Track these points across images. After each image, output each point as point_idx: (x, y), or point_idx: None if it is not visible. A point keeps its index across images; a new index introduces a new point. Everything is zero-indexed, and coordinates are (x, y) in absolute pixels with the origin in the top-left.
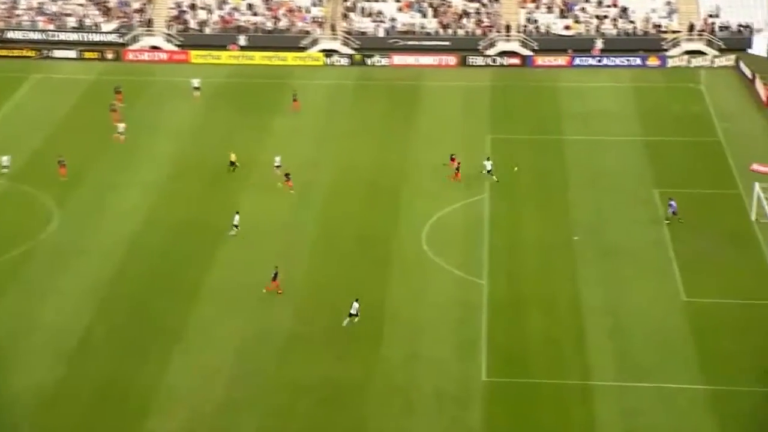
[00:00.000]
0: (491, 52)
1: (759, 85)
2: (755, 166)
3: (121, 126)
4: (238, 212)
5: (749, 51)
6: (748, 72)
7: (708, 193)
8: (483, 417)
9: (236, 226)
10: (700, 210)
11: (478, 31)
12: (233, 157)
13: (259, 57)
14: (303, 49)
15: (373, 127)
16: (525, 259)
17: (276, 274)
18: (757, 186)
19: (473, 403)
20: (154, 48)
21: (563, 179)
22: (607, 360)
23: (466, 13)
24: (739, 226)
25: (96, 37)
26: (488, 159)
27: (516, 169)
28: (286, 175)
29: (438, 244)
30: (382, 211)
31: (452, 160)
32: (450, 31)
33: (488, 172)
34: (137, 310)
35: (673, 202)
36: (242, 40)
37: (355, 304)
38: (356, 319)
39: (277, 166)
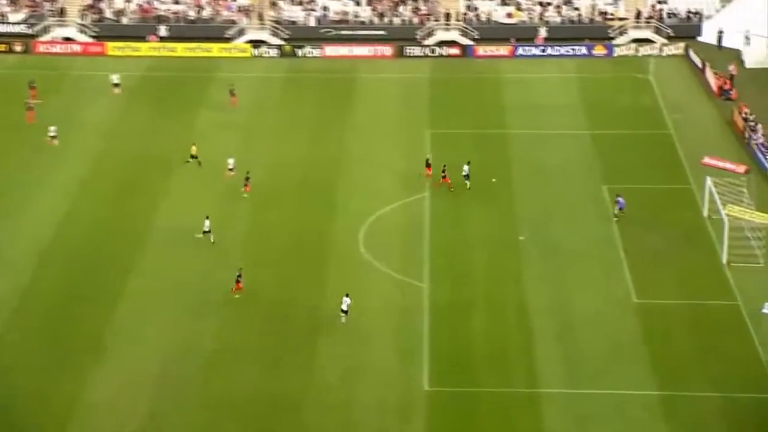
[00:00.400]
0: (429, 41)
1: (709, 74)
2: (707, 160)
3: (52, 129)
4: (208, 217)
5: (699, 39)
6: (698, 61)
7: (658, 188)
8: (425, 429)
9: (207, 232)
10: (651, 206)
11: (416, 20)
12: (194, 150)
13: (181, 49)
14: (229, 39)
15: (306, 123)
16: (468, 260)
17: (240, 276)
18: (709, 180)
19: (415, 415)
20: (67, 39)
21: (507, 175)
22: (555, 366)
23: (402, 1)
24: (691, 223)
25: (2, 28)
26: (468, 163)
27: (494, 180)
28: (246, 178)
29: (376, 245)
30: (316, 212)
31: (428, 167)
32: (386, 19)
33: (465, 176)
34: (53, 321)
35: (620, 199)
36: (163, 30)
37: (347, 300)
38: (345, 317)
39: (230, 169)
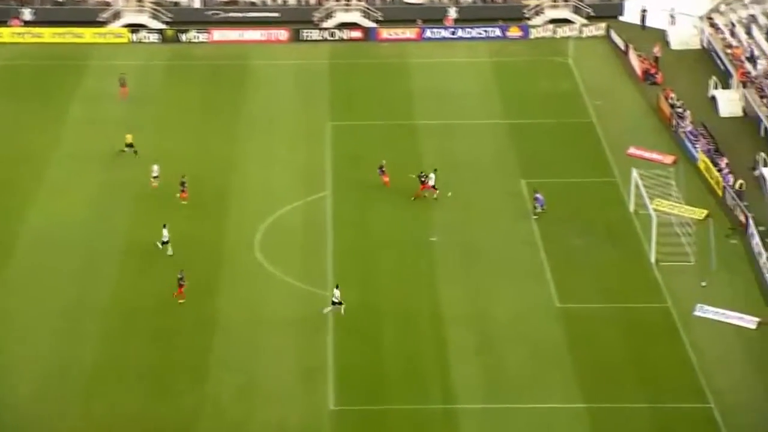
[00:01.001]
0: (328, 24)
1: (633, 56)
2: (632, 150)
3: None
4: (165, 225)
5: (621, 19)
6: (620, 42)
7: (581, 182)
8: None
9: (166, 242)
10: (573, 202)
11: (313, 0)
12: (129, 139)
13: (49, 34)
14: (103, 23)
15: (193, 117)
16: (376, 265)
17: (182, 278)
18: (635, 172)
19: None
20: None
21: (417, 171)
22: (473, 379)
23: None
24: (617, 219)
25: None
26: (435, 171)
27: (450, 194)
28: (182, 183)
29: (274, 250)
30: (206, 214)
31: (383, 174)
32: (279, 0)
33: (432, 186)
34: None
35: (539, 195)
36: (27, 14)
37: (336, 292)
38: (342, 308)
39: (155, 177)
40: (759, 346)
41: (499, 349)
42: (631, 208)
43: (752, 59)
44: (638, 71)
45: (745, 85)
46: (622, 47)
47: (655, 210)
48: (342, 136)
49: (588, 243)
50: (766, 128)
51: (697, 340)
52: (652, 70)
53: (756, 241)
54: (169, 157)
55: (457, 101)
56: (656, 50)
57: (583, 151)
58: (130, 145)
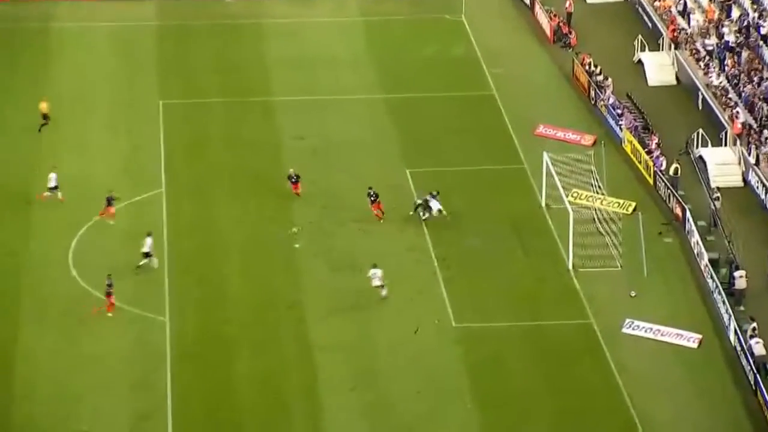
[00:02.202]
0: None
1: (541, 14)
2: (542, 129)
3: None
4: (150, 233)
5: None
6: None
7: (480, 170)
8: None
9: (149, 254)
10: (472, 196)
11: None
12: (44, 107)
13: None
14: None
15: None
16: (224, 280)
17: (110, 285)
18: (546, 157)
19: None
20: None
21: (273, 159)
22: (352, 419)
23: None
24: (525, 216)
25: None
26: (437, 194)
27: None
28: (109, 199)
29: (95, 266)
30: (6, 224)
31: (294, 183)
32: None
33: (438, 210)
34: None
35: (434, 202)
36: None
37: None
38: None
39: (53, 188)
40: (701, 368)
41: (384, 382)
42: (543, 201)
43: (685, 13)
44: (547, 31)
45: (677, 46)
46: (528, 2)
47: (572, 203)
48: (177, 118)
49: (489, 246)
50: (704, 99)
51: (626, 362)
52: (564, 29)
53: (695, 239)
54: None
55: (322, 72)
56: (568, 5)
57: (481, 132)
58: (45, 117)
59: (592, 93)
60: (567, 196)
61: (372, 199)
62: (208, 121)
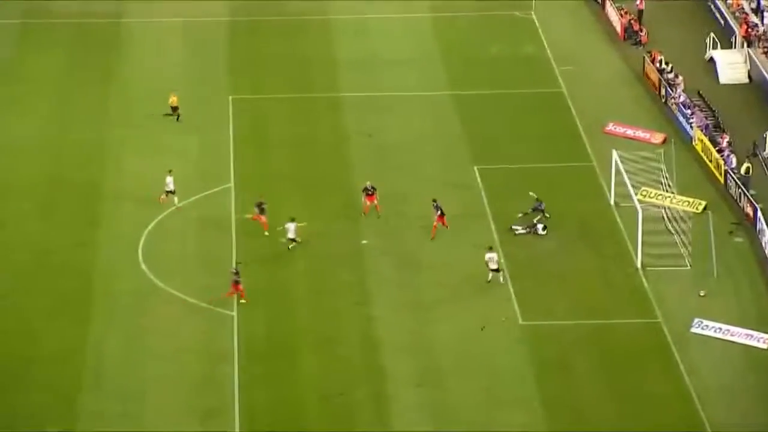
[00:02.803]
0: None
1: (611, 11)
2: (611, 127)
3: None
4: (293, 219)
5: None
6: None
7: (548, 167)
8: None
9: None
10: (540, 192)
11: None
12: (174, 101)
13: None
14: None
15: (50, 93)
16: (292, 278)
17: (236, 272)
18: (615, 155)
19: None
20: None
21: (340, 155)
22: (417, 417)
23: None
24: (594, 213)
25: None
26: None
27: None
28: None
29: (164, 261)
30: (72, 216)
31: (369, 195)
32: None
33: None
34: None
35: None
36: None
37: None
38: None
39: (170, 191)
40: None
41: (449, 380)
42: (612, 199)
43: (759, 11)
44: (618, 28)
45: (750, 44)
46: (598, 0)
47: (641, 202)
48: (246, 113)
49: (558, 244)
50: None
51: (694, 363)
52: (635, 27)
53: (766, 238)
54: (17, 148)
55: (389, 68)
56: (639, 2)
57: (550, 129)
58: (174, 109)
59: (663, 91)
60: (636, 195)
61: (438, 212)
62: (276, 117)
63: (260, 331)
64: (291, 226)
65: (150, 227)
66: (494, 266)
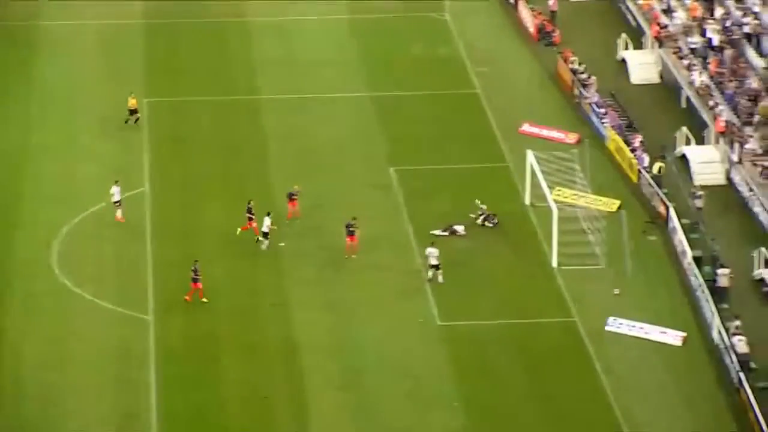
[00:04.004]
0: None
1: (525, 12)
2: (526, 128)
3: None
4: (269, 214)
5: None
6: None
7: (463, 168)
8: None
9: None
10: (454, 193)
11: None
12: (133, 103)
13: None
14: None
15: None
16: (210, 278)
17: (195, 270)
18: (530, 155)
19: None
20: None
21: (260, 157)
22: (340, 419)
23: None
24: (509, 213)
25: None
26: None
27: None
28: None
29: (79, 266)
30: None
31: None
32: None
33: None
34: None
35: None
36: None
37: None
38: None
39: (116, 202)
40: (684, 366)
41: (370, 381)
42: (527, 199)
43: (669, 11)
44: (531, 29)
45: (661, 44)
46: (511, 0)
47: (556, 201)
48: (162, 117)
49: (473, 244)
50: (687, 97)
51: (610, 361)
52: (548, 28)
53: (679, 237)
54: None
55: (309, 70)
56: (552, 3)
57: (466, 131)
58: (133, 112)
59: (576, 91)
60: (551, 195)
61: (350, 231)
62: (194, 119)
63: (178, 334)
64: (267, 221)
65: (65, 231)
66: (434, 262)
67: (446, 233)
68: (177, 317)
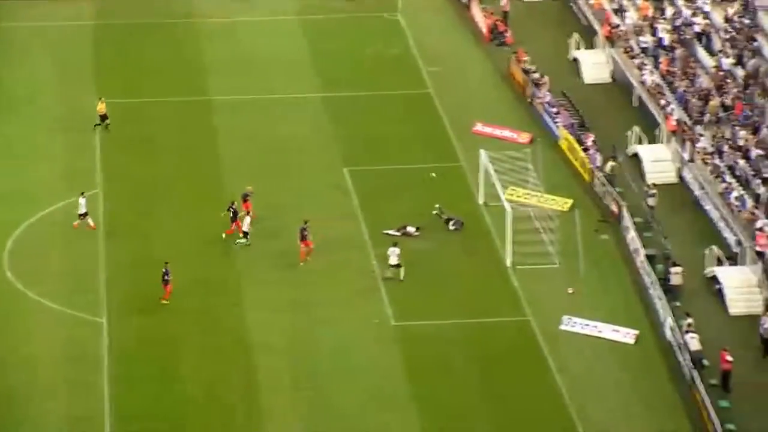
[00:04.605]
0: None
1: (476, 10)
2: (479, 127)
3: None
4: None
5: None
6: None
7: (416, 168)
8: None
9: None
10: (408, 193)
11: None
12: (101, 108)
13: None
14: None
15: None
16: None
17: (166, 273)
18: (483, 155)
19: None
20: None
21: (212, 159)
22: (294, 423)
23: None
24: (463, 213)
25: None
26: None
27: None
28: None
29: (30, 268)
30: None
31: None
32: None
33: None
34: None
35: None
36: None
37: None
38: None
39: (82, 215)
40: (637, 364)
41: (325, 383)
42: (480, 199)
43: (620, 11)
44: (483, 29)
45: (612, 44)
46: (464, 0)
47: (509, 201)
48: (114, 118)
49: (428, 244)
50: (639, 96)
51: (564, 360)
52: (501, 28)
53: (631, 235)
54: None
55: (260, 70)
56: (504, 3)
57: (419, 131)
58: (104, 118)
59: (529, 91)
60: (504, 194)
61: (303, 235)
62: (145, 121)
63: (132, 336)
64: (247, 220)
65: (17, 233)
66: (394, 261)
67: (398, 233)
68: (131, 319)
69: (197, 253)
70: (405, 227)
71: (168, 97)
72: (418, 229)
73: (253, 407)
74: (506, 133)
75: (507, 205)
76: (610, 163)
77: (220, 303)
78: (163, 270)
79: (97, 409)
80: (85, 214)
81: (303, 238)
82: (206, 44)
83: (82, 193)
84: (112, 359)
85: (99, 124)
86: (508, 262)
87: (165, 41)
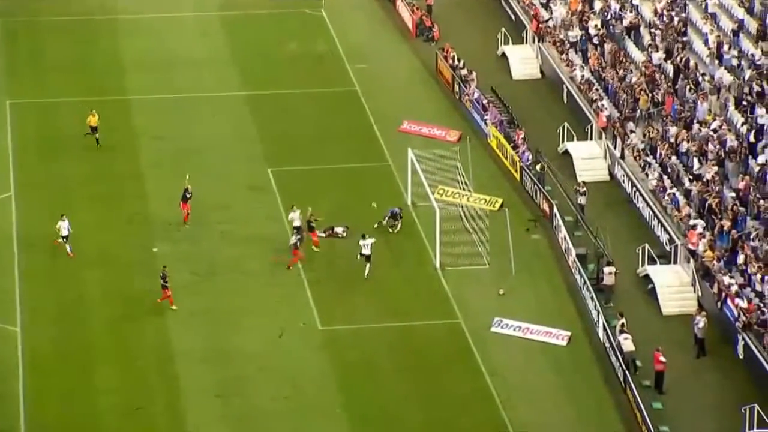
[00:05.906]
0: None
1: (403, 7)
2: (407, 125)
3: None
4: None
5: None
6: None
7: (342, 168)
8: None
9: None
10: (336, 195)
11: None
12: (92, 120)
13: None
14: None
15: None
16: (80, 290)
17: (164, 277)
18: (411, 153)
19: None
20: None
21: (133, 159)
22: (217, 430)
23: None
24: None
25: None
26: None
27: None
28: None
29: None
30: None
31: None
32: None
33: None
34: None
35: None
36: None
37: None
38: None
39: (65, 237)
40: (570, 365)
41: (249, 390)
42: (409, 199)
43: (548, 5)
44: (409, 24)
45: (541, 39)
46: None
47: (438, 201)
48: (26, 118)
49: (355, 246)
50: (569, 92)
51: (495, 363)
52: (427, 23)
53: (563, 234)
54: None
55: (180, 68)
56: None
57: (345, 129)
58: (94, 129)
59: (457, 87)
60: (433, 194)
61: (310, 226)
62: (61, 121)
63: (48, 344)
64: None
65: None
66: (366, 252)
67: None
68: (47, 328)
69: (116, 259)
70: (332, 228)
71: (85, 97)
72: (345, 229)
73: (176, 417)
74: (434, 131)
75: (435, 205)
76: (538, 165)
77: (138, 311)
78: (161, 274)
79: (13, 420)
80: (67, 237)
81: (310, 230)
82: (125, 41)
83: (62, 216)
84: (28, 369)
85: (89, 134)
86: (438, 263)
87: (81, 38)
